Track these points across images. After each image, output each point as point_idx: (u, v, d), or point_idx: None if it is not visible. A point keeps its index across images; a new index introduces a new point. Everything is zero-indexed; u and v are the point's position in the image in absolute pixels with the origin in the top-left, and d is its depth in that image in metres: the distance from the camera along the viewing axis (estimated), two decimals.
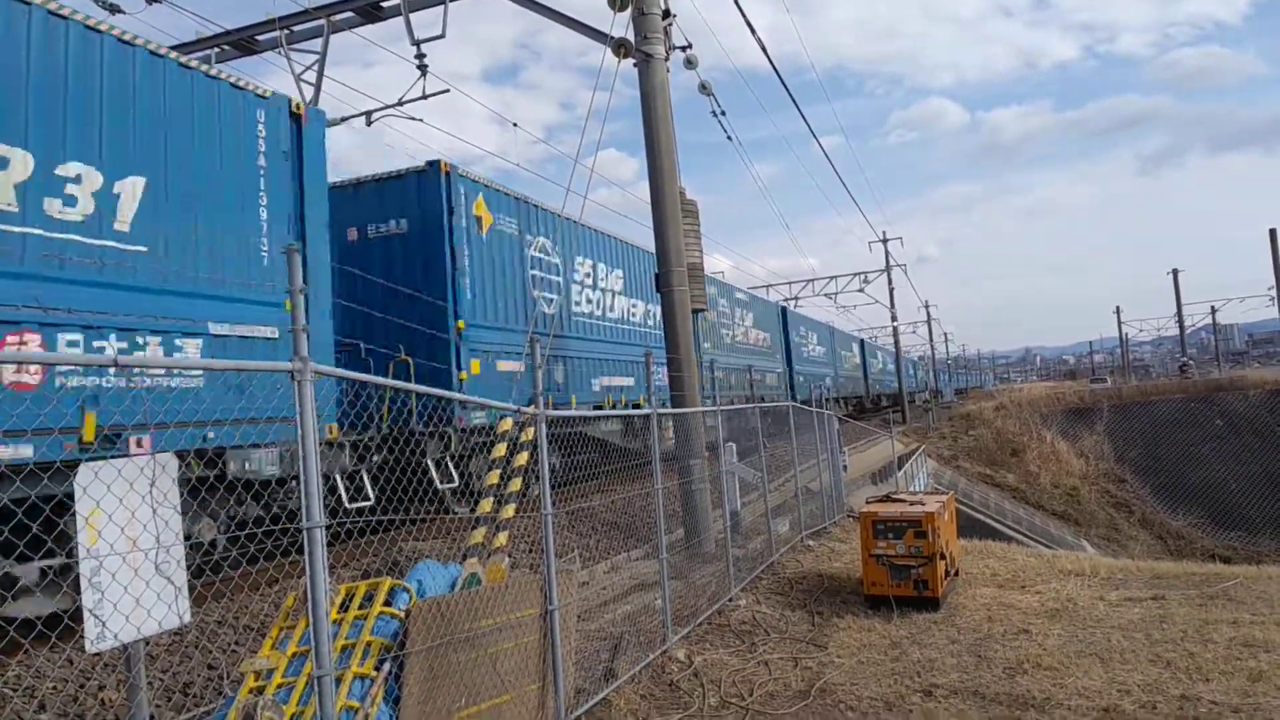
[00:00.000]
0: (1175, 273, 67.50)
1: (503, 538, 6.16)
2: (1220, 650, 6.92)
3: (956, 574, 9.88)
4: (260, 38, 15.94)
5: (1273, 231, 55.59)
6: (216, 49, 15.72)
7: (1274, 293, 56.47)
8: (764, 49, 13.56)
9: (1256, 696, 5.86)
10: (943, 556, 8.86)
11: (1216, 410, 43.89)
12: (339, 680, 4.20)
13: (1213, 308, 73.10)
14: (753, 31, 13.22)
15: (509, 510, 6.28)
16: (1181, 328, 70.84)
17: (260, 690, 4.28)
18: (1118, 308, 77.84)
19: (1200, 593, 9.00)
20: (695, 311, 12.79)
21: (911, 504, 9.36)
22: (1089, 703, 5.93)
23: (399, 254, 12.55)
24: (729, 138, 16.92)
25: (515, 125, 19.62)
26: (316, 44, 15.56)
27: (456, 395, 5.51)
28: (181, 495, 3.43)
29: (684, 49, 13.06)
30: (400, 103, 16.14)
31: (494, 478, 6.32)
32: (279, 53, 15.70)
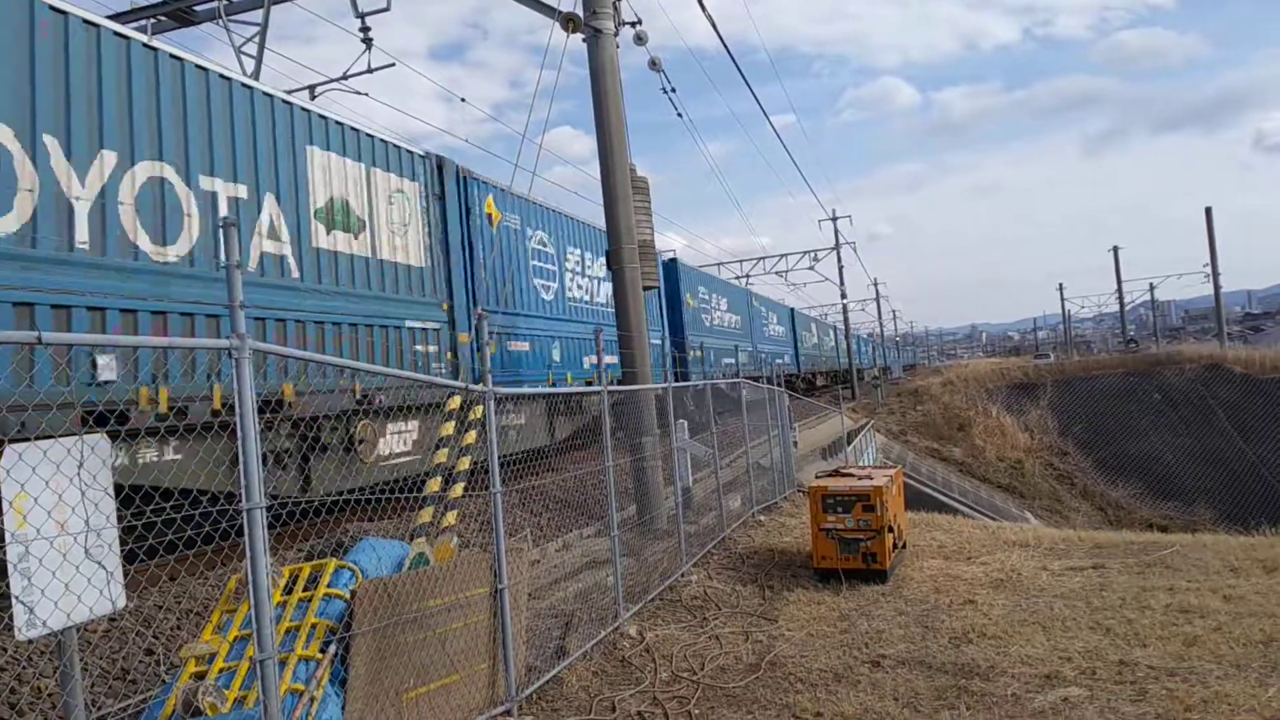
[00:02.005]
0: (1116, 250, 68.95)
1: (451, 517, 6.10)
2: (1157, 616, 7.12)
3: (904, 546, 10.03)
4: (198, 8, 15.47)
5: (1208, 210, 57.02)
6: (152, 19, 15.23)
7: (1209, 270, 57.98)
8: (713, 24, 13.50)
9: (1191, 661, 6.03)
10: (891, 530, 8.98)
11: (1154, 384, 45.07)
12: (283, 663, 4.13)
13: (1151, 285, 74.98)
14: (702, 7, 13.15)
15: (458, 489, 6.22)
16: (1121, 304, 72.48)
17: (201, 676, 4.19)
18: (1061, 285, 79.39)
19: (1138, 561, 9.25)
20: (647, 289, 12.74)
21: (860, 478, 9.47)
22: (1032, 670, 6.06)
23: None
24: (679, 115, 16.88)
25: (463, 100, 19.32)
26: (257, 15, 15.16)
27: (404, 373, 5.41)
28: None
29: (634, 25, 12.93)
30: (345, 76, 15.83)
31: (442, 456, 6.25)
32: (218, 24, 15.26)
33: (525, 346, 14.66)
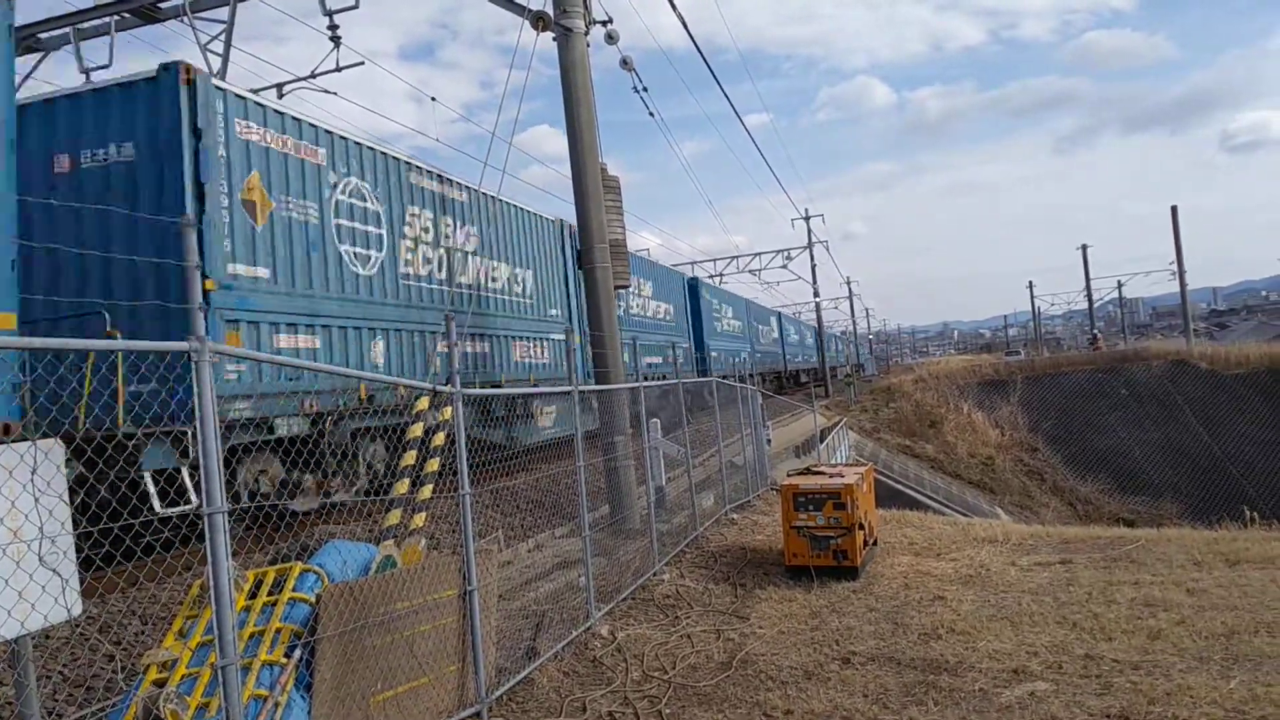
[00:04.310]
0: (1084, 248, 69.72)
1: (420, 519, 6.05)
2: (1123, 611, 7.21)
3: (875, 543, 10.08)
4: (163, 5, 15.23)
5: (1174, 209, 57.81)
6: (116, 17, 14.99)
7: (1175, 267, 58.78)
8: (683, 22, 13.48)
9: (1155, 654, 6.11)
10: (861, 527, 9.03)
11: (1122, 380, 45.66)
12: (247, 669, 4.08)
13: (1119, 282, 75.93)
14: (673, 5, 13.13)
15: (426, 491, 6.17)
16: (1090, 301, 73.32)
17: (163, 683, 4.13)
18: (1030, 282, 79.93)
19: (1105, 556, 9.35)
20: (618, 288, 12.72)
21: (831, 476, 9.51)
22: (999, 665, 6.11)
23: None
24: (651, 114, 16.84)
25: (433, 100, 19.20)
26: (223, 13, 14.97)
27: (366, 375, 5.30)
28: None
29: (604, 24, 12.89)
30: (313, 75, 15.68)
31: (410, 458, 6.21)
32: (183, 22, 15.04)
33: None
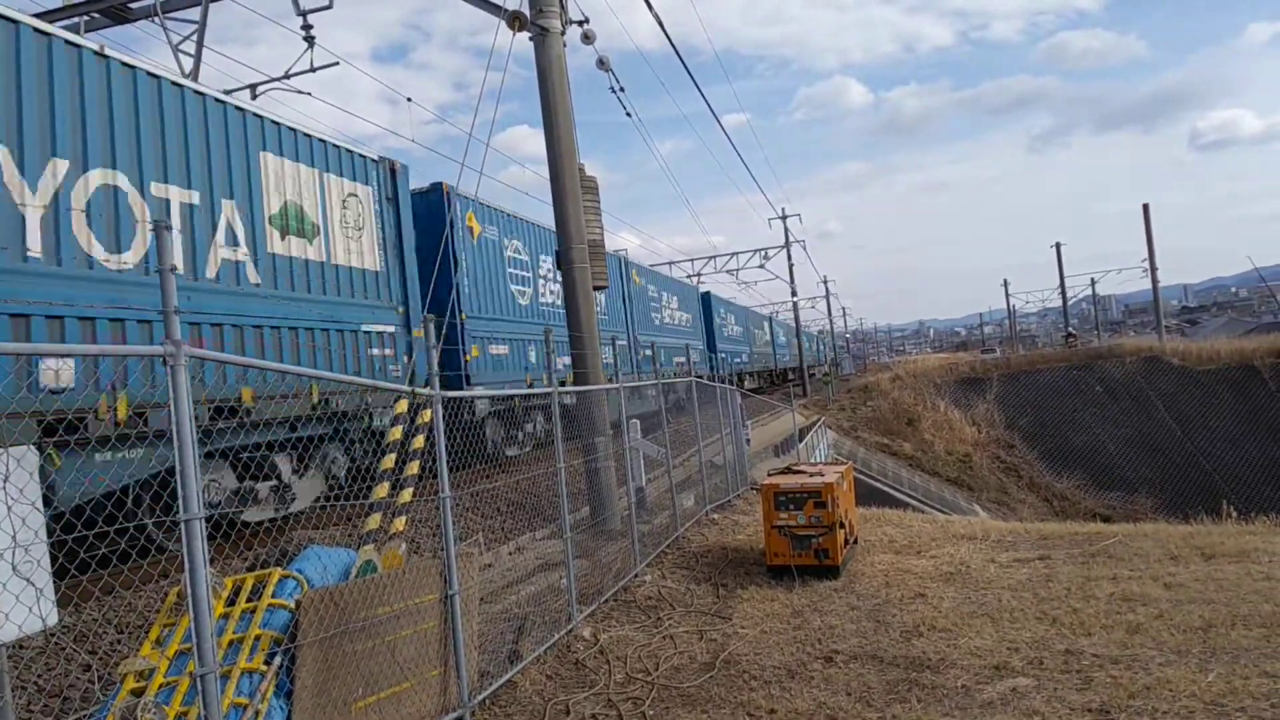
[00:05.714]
0: (1058, 246, 70.28)
1: (400, 523, 6.01)
2: (1101, 605, 7.26)
3: (856, 542, 10.12)
4: (133, 5, 15.05)
5: (1145, 206, 58.40)
6: (85, 17, 14.79)
7: (1147, 264, 59.38)
8: (659, 21, 13.48)
9: (1134, 648, 6.16)
10: (842, 525, 9.05)
11: (1096, 377, 46.13)
12: (226, 676, 4.03)
13: (1092, 279, 76.52)
14: (649, 4, 13.12)
15: (406, 494, 6.13)
16: (1064, 299, 73.89)
17: (140, 692, 4.07)
18: (1005, 280, 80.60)
19: (1083, 551, 9.42)
20: (597, 289, 12.68)
21: (811, 475, 9.53)
22: (981, 661, 6.14)
23: None
24: (628, 114, 16.83)
25: (409, 100, 19.07)
26: (195, 13, 14.81)
27: (344, 378, 5.27)
28: None
29: (581, 24, 12.86)
30: (287, 75, 15.54)
31: (389, 461, 6.16)
32: (154, 22, 14.87)
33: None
